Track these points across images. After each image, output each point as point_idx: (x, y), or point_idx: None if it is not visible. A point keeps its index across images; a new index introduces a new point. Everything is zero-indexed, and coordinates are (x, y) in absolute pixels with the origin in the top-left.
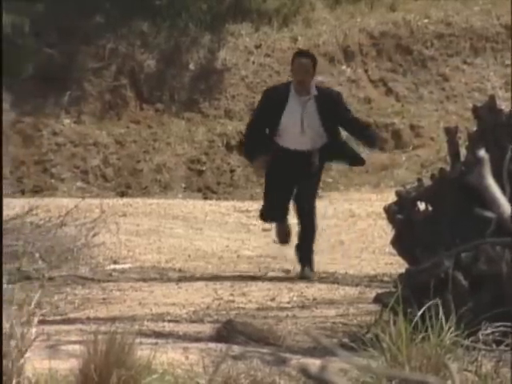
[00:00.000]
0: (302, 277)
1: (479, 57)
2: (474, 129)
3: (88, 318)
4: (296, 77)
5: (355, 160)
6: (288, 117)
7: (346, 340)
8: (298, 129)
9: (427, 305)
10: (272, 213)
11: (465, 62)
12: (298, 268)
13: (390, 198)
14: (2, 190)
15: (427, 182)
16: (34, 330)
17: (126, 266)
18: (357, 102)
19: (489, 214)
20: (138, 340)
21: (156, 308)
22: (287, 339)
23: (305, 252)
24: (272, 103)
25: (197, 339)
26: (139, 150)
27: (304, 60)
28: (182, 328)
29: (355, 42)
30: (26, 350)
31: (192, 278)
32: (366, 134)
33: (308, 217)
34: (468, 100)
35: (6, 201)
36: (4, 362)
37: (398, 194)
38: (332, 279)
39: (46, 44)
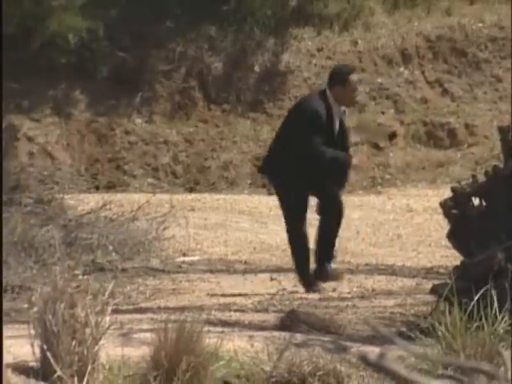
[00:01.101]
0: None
1: None
2: None
3: (159, 308)
4: (350, 94)
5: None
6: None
7: (403, 329)
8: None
9: (480, 294)
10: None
11: None
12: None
13: (446, 193)
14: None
15: (481, 178)
16: (107, 318)
17: (195, 258)
18: (414, 102)
19: None
20: (205, 328)
21: (223, 298)
22: (347, 328)
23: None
24: (324, 122)
25: (262, 328)
26: (207, 148)
27: (355, 77)
28: (247, 317)
29: (412, 45)
30: (101, 338)
31: (257, 270)
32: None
33: (332, 208)
34: None
35: (81, 196)
36: (79, 348)
37: (453, 189)
38: (390, 271)
39: (119, 48)
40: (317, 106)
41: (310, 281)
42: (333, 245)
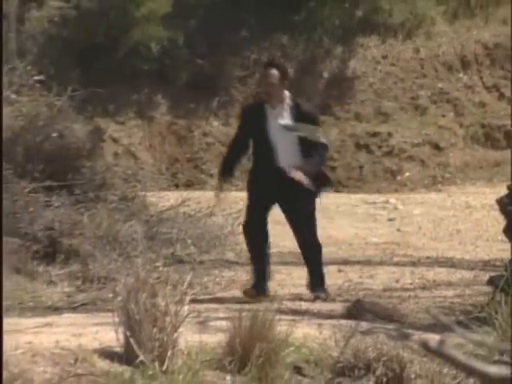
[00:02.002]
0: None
1: None
2: None
3: (233, 298)
4: (263, 87)
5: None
6: (268, 132)
7: (462, 318)
8: (275, 143)
9: None
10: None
11: None
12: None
13: (502, 191)
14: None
15: None
16: (186, 307)
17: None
18: (472, 105)
19: None
20: (277, 317)
21: (293, 289)
22: (410, 317)
23: (315, 279)
24: (250, 120)
25: (329, 316)
26: None
27: (269, 71)
28: (316, 306)
29: (471, 52)
30: (180, 326)
31: (325, 262)
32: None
33: (314, 256)
34: None
35: (162, 193)
36: (160, 335)
37: (509, 187)
38: (450, 263)
39: (198, 55)
40: (245, 106)
41: (256, 284)
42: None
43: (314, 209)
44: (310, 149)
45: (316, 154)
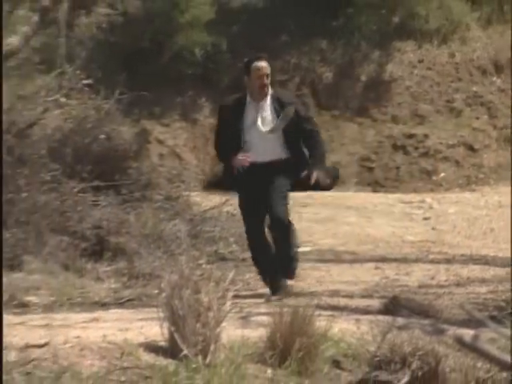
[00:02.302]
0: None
1: None
2: None
3: None
4: (256, 81)
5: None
6: (247, 126)
7: (495, 313)
8: (256, 138)
9: None
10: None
11: None
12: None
13: None
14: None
15: None
16: (228, 303)
17: (307, 248)
18: (505, 108)
19: None
20: (316, 312)
21: (332, 285)
22: (444, 312)
23: (282, 265)
24: (230, 116)
25: (367, 312)
26: None
27: (262, 63)
28: (354, 302)
29: (504, 57)
30: (222, 321)
31: (363, 260)
32: (317, 154)
33: (285, 233)
34: None
35: (205, 193)
36: (203, 330)
37: None
38: (483, 261)
39: (240, 60)
40: (225, 102)
41: (274, 283)
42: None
43: (287, 191)
44: (298, 139)
45: (316, 152)
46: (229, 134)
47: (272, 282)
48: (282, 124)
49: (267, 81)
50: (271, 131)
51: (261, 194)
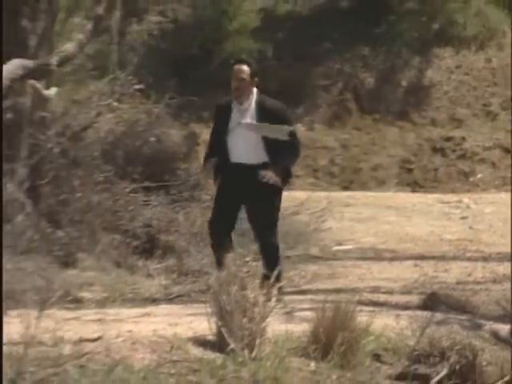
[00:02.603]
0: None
1: None
2: None
3: (317, 290)
4: (233, 84)
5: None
6: (231, 128)
7: None
8: (239, 140)
9: None
10: (216, 233)
11: None
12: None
13: None
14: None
15: None
16: (273, 299)
17: (349, 247)
18: None
19: None
20: (358, 308)
21: (373, 282)
22: (481, 308)
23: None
24: (219, 117)
25: (406, 308)
26: (360, 152)
27: (239, 66)
28: (394, 298)
29: None
30: (267, 316)
31: (402, 258)
32: (280, 158)
33: (272, 256)
34: None
35: None
36: (249, 325)
37: None
38: None
39: (285, 66)
40: (217, 103)
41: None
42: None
43: (276, 209)
44: (278, 145)
45: (286, 153)
46: (215, 136)
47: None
48: (264, 132)
49: (239, 84)
50: (249, 125)
51: (237, 194)
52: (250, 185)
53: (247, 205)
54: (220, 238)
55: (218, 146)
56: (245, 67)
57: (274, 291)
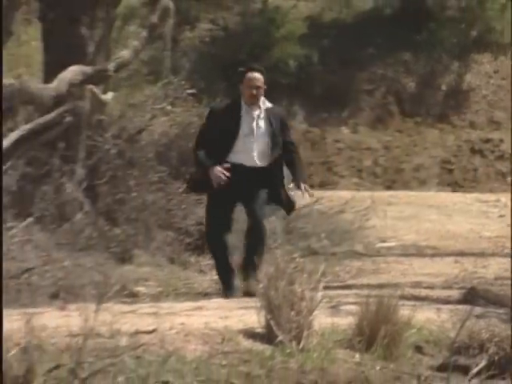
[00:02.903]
0: (249, 292)
1: None
2: None
3: (362, 285)
4: (247, 90)
5: (288, 206)
6: (243, 131)
7: None
8: (250, 144)
9: None
10: (214, 236)
11: None
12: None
13: None
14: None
15: None
16: (320, 293)
17: (392, 244)
18: None
19: None
20: (400, 302)
21: (414, 277)
22: None
23: (252, 266)
24: (225, 120)
25: (447, 302)
26: (402, 153)
27: (255, 75)
28: (435, 293)
29: None
30: (314, 310)
31: (443, 254)
32: (296, 172)
33: (259, 227)
34: None
35: (297, 193)
36: (297, 318)
37: None
38: None
39: (330, 71)
40: (216, 105)
41: (228, 287)
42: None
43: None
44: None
45: (298, 169)
46: (219, 139)
47: (226, 282)
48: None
49: (256, 92)
50: (267, 156)
51: (236, 195)
52: (253, 185)
53: (245, 198)
54: (221, 242)
55: (221, 147)
56: (260, 75)
57: (321, 286)
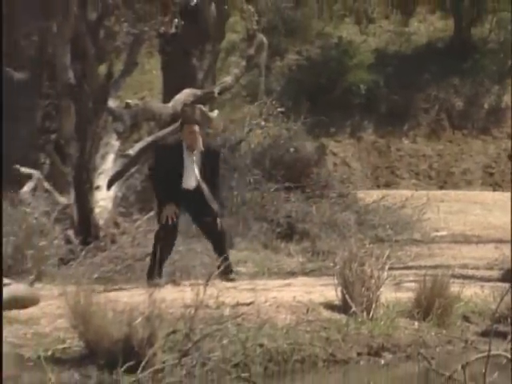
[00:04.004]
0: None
1: None
2: None
3: (419, 266)
4: (187, 141)
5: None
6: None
7: None
8: (189, 172)
9: None
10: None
11: None
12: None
13: None
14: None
15: None
16: (385, 273)
17: (444, 233)
18: None
19: None
20: (451, 280)
21: (462, 260)
22: None
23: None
24: (170, 158)
25: (489, 280)
26: (452, 159)
27: (193, 127)
28: (479, 273)
29: None
30: (381, 286)
31: (486, 241)
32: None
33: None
34: None
35: (368, 192)
36: (367, 293)
37: None
38: None
39: (393, 93)
40: (162, 144)
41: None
42: None
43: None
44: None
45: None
46: (168, 176)
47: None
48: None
49: (194, 139)
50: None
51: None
52: (195, 201)
53: (192, 216)
54: (167, 250)
55: (174, 178)
56: (196, 127)
57: (386, 267)
